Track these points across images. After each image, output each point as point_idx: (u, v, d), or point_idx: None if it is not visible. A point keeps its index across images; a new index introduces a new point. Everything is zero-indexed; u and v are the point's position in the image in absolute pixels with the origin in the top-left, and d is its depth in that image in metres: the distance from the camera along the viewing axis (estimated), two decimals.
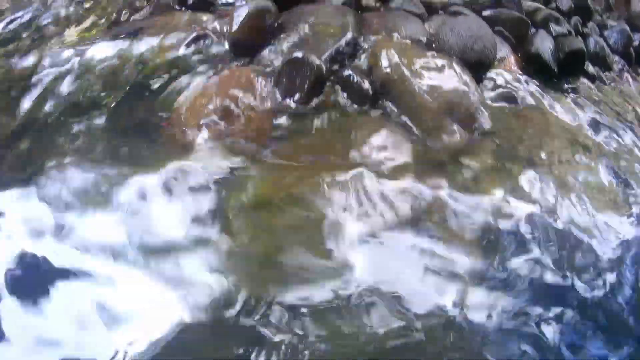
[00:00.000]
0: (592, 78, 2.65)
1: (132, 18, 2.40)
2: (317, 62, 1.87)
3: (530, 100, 2.20)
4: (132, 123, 1.88)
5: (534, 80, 2.33)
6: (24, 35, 2.56)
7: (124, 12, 2.47)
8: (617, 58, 3.12)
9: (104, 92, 2.01)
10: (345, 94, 1.92)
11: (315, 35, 2.02)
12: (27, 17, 2.72)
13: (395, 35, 2.10)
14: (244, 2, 2.26)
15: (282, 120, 1.86)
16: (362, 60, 2.01)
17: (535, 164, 1.93)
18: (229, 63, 2.04)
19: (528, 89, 2.25)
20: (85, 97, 2.00)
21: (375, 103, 1.93)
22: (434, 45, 2.13)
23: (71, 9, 2.64)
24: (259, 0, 2.08)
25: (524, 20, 2.51)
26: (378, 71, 1.94)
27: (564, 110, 2.23)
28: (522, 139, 2.02)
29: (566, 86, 2.45)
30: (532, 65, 2.39)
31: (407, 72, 1.92)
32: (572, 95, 2.39)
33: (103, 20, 2.43)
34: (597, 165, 2.06)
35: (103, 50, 2.13)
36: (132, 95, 1.99)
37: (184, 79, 1.98)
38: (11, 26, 2.70)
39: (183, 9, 2.33)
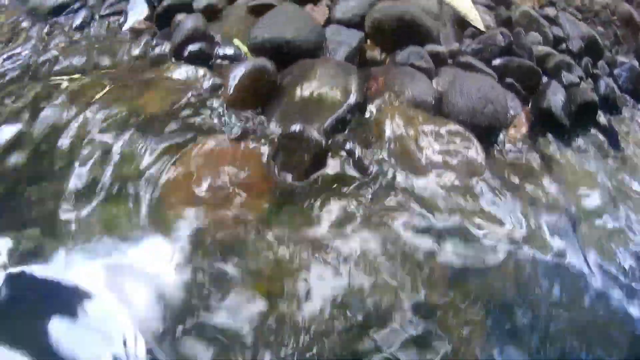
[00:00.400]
0: (602, 128, 2.39)
1: (129, 66, 2.16)
2: (317, 137, 1.63)
3: (539, 165, 1.95)
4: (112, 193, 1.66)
5: (544, 138, 2.09)
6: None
7: (121, 58, 2.23)
8: (627, 97, 2.86)
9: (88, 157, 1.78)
10: (346, 168, 1.69)
11: (315, 100, 1.78)
12: (22, 56, 2.50)
13: (401, 97, 1.86)
14: (241, 57, 2.03)
15: (278, 197, 1.64)
16: (366, 128, 1.77)
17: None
18: (225, 129, 1.80)
19: (537, 151, 2.00)
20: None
21: (378, 177, 1.70)
22: (442, 108, 1.89)
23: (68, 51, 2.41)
24: (256, 60, 1.84)
25: (535, 70, 2.26)
26: (382, 143, 1.70)
27: (574, 176, 1.99)
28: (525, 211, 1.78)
29: (577, 142, 2.19)
30: (543, 120, 2.14)
31: (412, 146, 1.68)
32: (582, 153, 2.15)
33: (99, 69, 2.18)
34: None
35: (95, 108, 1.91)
36: (119, 160, 1.76)
37: (175, 147, 1.75)
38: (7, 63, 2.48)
39: (180, 61, 2.09)
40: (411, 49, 2.06)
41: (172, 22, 2.24)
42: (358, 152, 1.68)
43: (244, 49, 2.02)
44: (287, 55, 1.95)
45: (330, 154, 1.68)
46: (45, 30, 2.72)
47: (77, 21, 2.61)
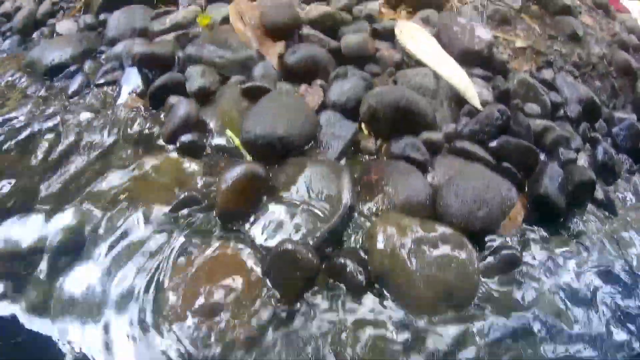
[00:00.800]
0: (600, 204, 2.30)
1: (120, 152, 2.07)
2: (309, 257, 1.56)
3: (533, 261, 1.87)
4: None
5: (539, 229, 2.00)
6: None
7: (112, 140, 2.14)
8: (624, 157, 2.75)
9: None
10: (338, 284, 1.62)
11: (307, 209, 1.70)
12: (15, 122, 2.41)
13: (395, 199, 1.78)
14: (233, 149, 1.94)
15: (269, 315, 1.57)
16: (358, 239, 1.70)
17: None
18: (217, 235, 1.72)
19: (531, 247, 1.92)
20: None
21: (371, 291, 1.63)
22: (436, 207, 1.81)
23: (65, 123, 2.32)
24: (248, 165, 1.75)
25: (532, 150, 2.15)
26: (374, 258, 1.63)
27: (569, 272, 1.91)
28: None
29: (572, 226, 2.10)
30: (539, 206, 2.04)
31: (406, 260, 1.61)
32: (577, 239, 2.06)
33: (88, 152, 2.10)
34: None
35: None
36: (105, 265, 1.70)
37: (164, 255, 1.68)
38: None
39: (173, 148, 2.00)
40: (406, 140, 1.96)
41: (166, 103, 2.15)
42: (350, 268, 1.60)
43: (237, 141, 1.93)
44: (281, 150, 1.87)
45: (322, 269, 1.62)
46: (42, 93, 2.64)
47: (73, 88, 2.52)
